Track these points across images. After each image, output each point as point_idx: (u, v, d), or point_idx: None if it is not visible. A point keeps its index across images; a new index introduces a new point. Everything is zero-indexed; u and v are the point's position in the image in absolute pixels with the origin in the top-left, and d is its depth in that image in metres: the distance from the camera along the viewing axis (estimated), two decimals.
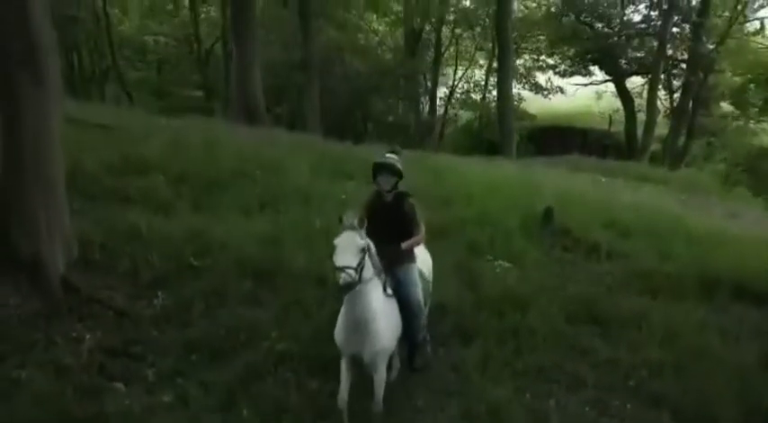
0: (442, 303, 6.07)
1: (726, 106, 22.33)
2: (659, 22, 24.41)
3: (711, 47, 22.90)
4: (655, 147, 24.26)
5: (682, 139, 24.14)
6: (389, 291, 4.32)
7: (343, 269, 3.81)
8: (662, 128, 25.01)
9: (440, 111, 28.24)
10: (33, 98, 4.89)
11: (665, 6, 24.35)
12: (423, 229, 4.53)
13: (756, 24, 23.54)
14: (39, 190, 5.03)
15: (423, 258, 4.89)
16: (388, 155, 4.53)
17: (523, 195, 9.64)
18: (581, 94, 29.57)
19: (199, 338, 5.00)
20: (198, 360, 4.81)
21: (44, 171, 5.05)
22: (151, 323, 5.04)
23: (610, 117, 26.72)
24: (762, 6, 23.26)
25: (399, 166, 4.45)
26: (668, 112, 25.34)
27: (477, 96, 28.62)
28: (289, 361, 4.93)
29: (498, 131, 21.85)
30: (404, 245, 4.42)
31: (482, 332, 5.81)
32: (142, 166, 8.02)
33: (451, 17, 26.66)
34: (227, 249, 6.11)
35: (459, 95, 28.98)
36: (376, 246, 4.21)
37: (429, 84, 28.32)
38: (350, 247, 3.90)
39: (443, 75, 29.27)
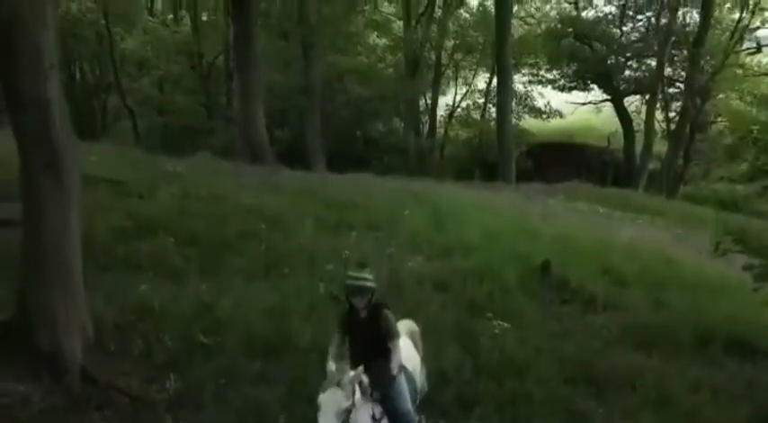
0: (443, 370, 6.26)
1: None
2: (657, 43, 24.60)
3: (709, 71, 23.06)
4: (654, 165, 24.41)
5: (680, 161, 24.33)
6: (377, 415, 4.38)
7: None
8: (660, 146, 25.15)
9: (440, 132, 28.45)
10: (54, 199, 5.18)
11: (663, 20, 24.53)
12: (396, 340, 4.65)
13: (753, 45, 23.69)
14: (58, 283, 5.27)
15: (406, 355, 4.91)
16: (357, 274, 4.64)
17: (522, 242, 9.86)
18: (580, 109, 29.75)
19: None
20: None
21: (63, 265, 5.30)
22: (165, 409, 5.25)
23: (608, 138, 26.84)
24: (758, 27, 23.39)
25: (370, 284, 4.57)
26: (665, 132, 25.49)
27: (476, 115, 28.82)
28: None
29: (497, 154, 22.11)
30: (394, 370, 4.52)
31: (481, 400, 5.99)
32: (151, 228, 8.29)
33: (450, 43, 26.89)
34: (235, 323, 6.35)
35: (459, 113, 29.18)
36: (358, 362, 4.32)
37: (429, 104, 28.56)
38: (332, 409, 3.93)
39: (443, 95, 29.50)
